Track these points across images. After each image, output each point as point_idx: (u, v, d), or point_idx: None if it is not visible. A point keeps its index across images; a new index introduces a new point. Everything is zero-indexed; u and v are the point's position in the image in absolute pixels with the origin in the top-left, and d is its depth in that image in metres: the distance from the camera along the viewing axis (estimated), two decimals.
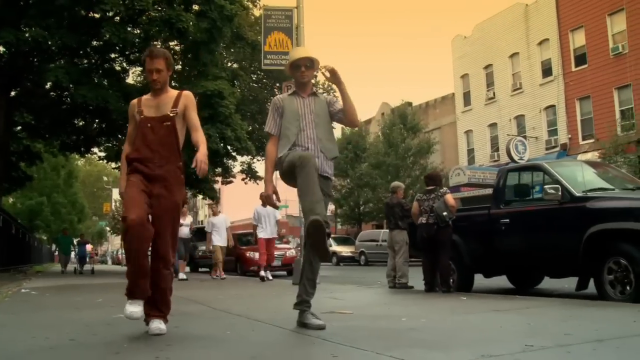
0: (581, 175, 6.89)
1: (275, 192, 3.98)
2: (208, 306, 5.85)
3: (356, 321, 4.35)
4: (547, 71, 27.55)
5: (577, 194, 6.35)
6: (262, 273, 11.42)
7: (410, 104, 35.99)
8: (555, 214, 6.53)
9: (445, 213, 7.41)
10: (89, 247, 24.81)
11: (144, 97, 4.01)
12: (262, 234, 11.60)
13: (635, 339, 3.28)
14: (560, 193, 6.42)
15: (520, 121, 28.98)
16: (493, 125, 30.59)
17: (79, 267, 20.85)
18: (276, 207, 3.96)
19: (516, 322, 4.17)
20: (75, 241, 24.41)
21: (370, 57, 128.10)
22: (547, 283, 8.63)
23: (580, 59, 25.85)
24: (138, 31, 16.91)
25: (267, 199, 3.98)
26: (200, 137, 3.81)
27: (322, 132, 4.02)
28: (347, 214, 36.12)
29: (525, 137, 27.70)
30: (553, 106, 27.18)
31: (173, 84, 18.80)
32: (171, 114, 3.84)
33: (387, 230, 9.26)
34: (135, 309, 3.55)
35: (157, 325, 3.69)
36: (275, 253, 12.87)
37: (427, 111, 35.78)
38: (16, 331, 4.18)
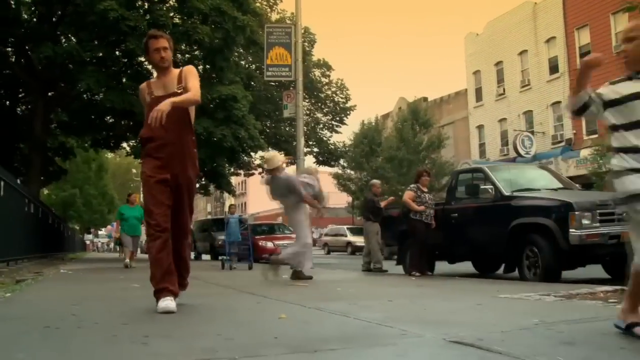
0: (515, 178, 8.26)
1: None
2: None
3: (305, 289, 5.88)
4: (554, 68, 28.43)
5: (506, 193, 7.74)
6: None
7: (425, 99, 37.16)
8: (490, 210, 7.93)
9: None
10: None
11: (152, 80, 4.31)
12: None
13: (455, 298, 4.73)
14: (493, 192, 7.82)
15: (529, 117, 29.95)
16: (503, 121, 31.57)
17: (228, 257, 11.92)
18: None
19: (406, 291, 5.65)
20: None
21: (388, 55, 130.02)
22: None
23: (585, 56, 26.63)
24: None
25: None
26: (191, 91, 3.99)
27: None
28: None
29: (532, 132, 28.78)
30: (559, 102, 28.08)
31: None
32: (178, 90, 4.06)
33: None
34: (170, 303, 3.82)
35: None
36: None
37: (441, 106, 36.90)
38: (56, 292, 5.84)
